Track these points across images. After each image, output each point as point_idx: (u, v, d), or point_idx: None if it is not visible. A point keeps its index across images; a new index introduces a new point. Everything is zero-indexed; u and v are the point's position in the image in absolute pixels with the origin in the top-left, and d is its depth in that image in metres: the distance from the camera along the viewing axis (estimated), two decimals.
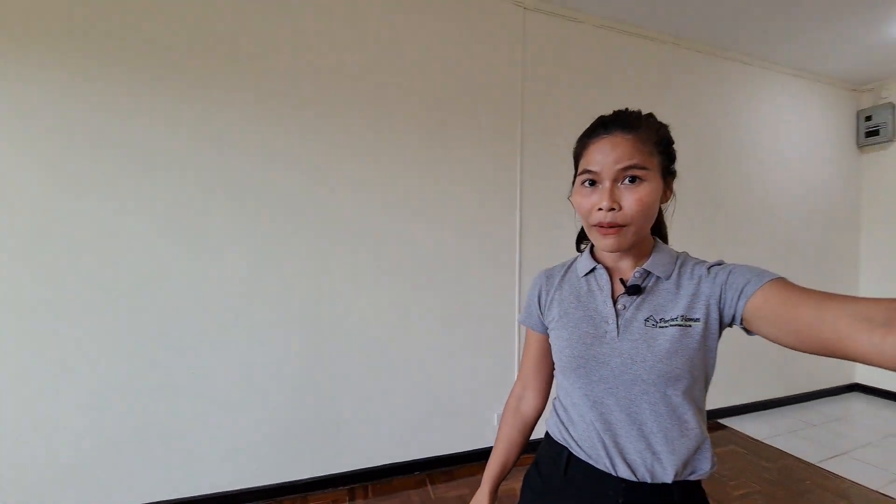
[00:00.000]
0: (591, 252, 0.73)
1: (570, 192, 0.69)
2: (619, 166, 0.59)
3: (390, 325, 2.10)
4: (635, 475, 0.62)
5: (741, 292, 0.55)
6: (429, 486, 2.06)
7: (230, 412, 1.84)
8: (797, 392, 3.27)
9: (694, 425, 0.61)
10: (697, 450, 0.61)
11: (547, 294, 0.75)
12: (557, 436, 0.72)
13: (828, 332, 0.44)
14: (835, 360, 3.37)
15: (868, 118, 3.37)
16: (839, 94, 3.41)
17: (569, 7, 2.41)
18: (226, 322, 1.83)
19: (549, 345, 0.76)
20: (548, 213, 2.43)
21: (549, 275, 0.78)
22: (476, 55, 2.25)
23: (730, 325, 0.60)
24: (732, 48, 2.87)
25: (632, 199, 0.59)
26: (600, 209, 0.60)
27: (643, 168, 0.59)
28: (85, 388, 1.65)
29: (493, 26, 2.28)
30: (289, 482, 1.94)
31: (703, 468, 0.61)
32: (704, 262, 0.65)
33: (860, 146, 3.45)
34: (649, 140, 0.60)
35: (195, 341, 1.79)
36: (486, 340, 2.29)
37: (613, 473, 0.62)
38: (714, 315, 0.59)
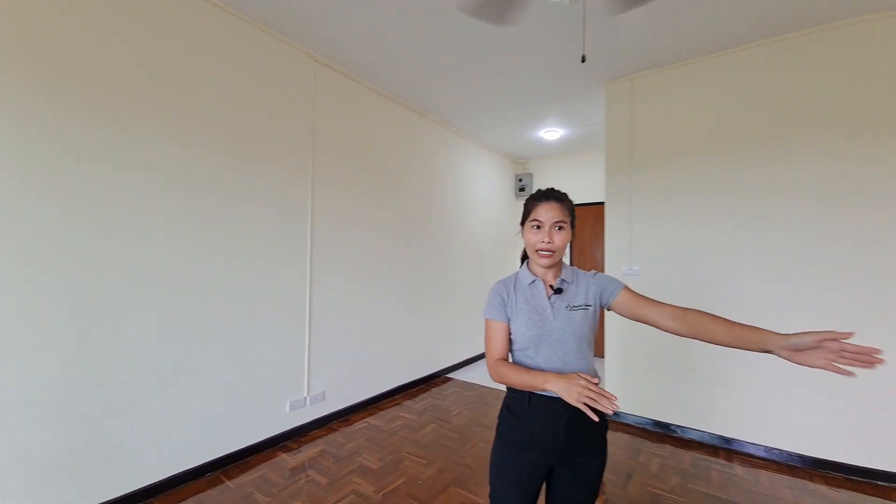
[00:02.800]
0: (528, 269, 1.19)
1: (521, 230, 1.18)
2: (555, 220, 1.10)
3: (181, 337, 2.14)
4: None
5: (612, 293, 1.12)
6: (225, 481, 2.22)
7: None
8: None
9: (591, 360, 1.13)
10: (590, 375, 1.03)
11: (508, 297, 1.16)
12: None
13: (651, 319, 1.04)
14: None
15: (520, 180, 5.66)
16: (507, 164, 5.57)
17: (351, 70, 3.08)
18: None
19: (509, 330, 1.14)
20: (336, 226, 3.00)
21: (505, 285, 1.18)
22: (274, 88, 2.59)
23: (604, 308, 1.15)
24: (455, 125, 4.30)
25: (559, 238, 1.10)
26: (543, 242, 1.10)
27: (564, 222, 1.11)
28: None
29: (288, 68, 2.68)
30: None
31: None
32: (584, 271, 1.19)
33: (516, 197, 5.74)
34: (567, 209, 1.12)
35: None
36: (279, 338, 2.62)
37: (554, 395, 1.03)
38: (597, 303, 1.13)
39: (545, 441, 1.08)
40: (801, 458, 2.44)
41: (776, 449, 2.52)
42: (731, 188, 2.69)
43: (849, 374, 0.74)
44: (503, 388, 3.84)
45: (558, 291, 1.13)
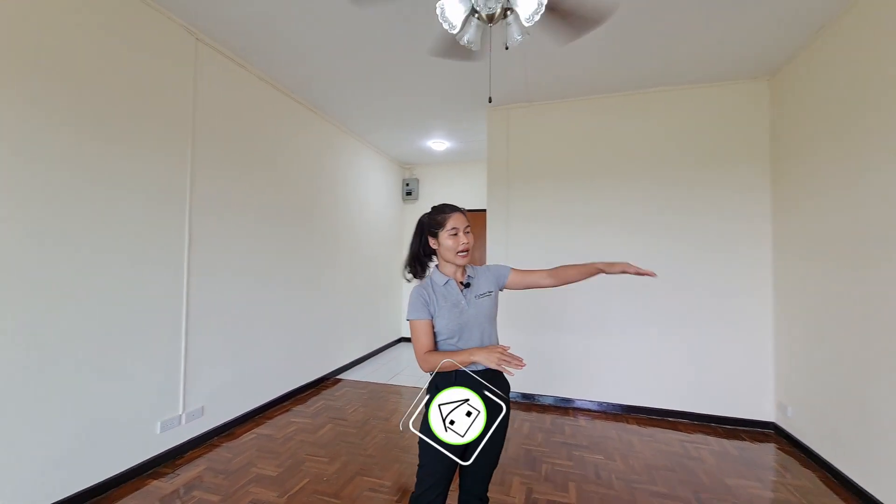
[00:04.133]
0: (440, 271, 1.40)
1: (434, 240, 1.37)
2: (465, 226, 1.35)
3: (18, 351, 1.72)
4: (483, 366, 1.28)
5: (504, 276, 1.43)
6: None
7: None
8: (376, 348, 5.21)
9: (497, 337, 1.41)
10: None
11: (430, 298, 1.34)
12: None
13: (535, 283, 1.43)
14: (391, 326, 5.64)
15: (407, 184, 5.93)
16: (395, 168, 5.78)
17: (239, 55, 2.86)
18: None
19: (432, 325, 1.33)
20: (219, 220, 2.75)
21: (424, 288, 1.36)
22: (146, 61, 2.26)
23: (501, 290, 1.44)
24: (346, 126, 4.31)
25: (471, 239, 1.36)
26: (463, 244, 1.33)
27: (470, 226, 1.37)
28: None
29: (163, 43, 2.37)
30: None
31: None
32: (478, 266, 1.46)
33: (403, 200, 6.00)
34: (466, 216, 1.38)
35: None
36: (148, 348, 2.29)
37: (475, 368, 1.28)
38: (496, 288, 1.42)
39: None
40: (620, 406, 3.29)
41: (604, 402, 3.33)
42: (577, 202, 3.45)
43: (646, 273, 1.35)
44: (395, 382, 4.05)
45: (467, 286, 1.38)
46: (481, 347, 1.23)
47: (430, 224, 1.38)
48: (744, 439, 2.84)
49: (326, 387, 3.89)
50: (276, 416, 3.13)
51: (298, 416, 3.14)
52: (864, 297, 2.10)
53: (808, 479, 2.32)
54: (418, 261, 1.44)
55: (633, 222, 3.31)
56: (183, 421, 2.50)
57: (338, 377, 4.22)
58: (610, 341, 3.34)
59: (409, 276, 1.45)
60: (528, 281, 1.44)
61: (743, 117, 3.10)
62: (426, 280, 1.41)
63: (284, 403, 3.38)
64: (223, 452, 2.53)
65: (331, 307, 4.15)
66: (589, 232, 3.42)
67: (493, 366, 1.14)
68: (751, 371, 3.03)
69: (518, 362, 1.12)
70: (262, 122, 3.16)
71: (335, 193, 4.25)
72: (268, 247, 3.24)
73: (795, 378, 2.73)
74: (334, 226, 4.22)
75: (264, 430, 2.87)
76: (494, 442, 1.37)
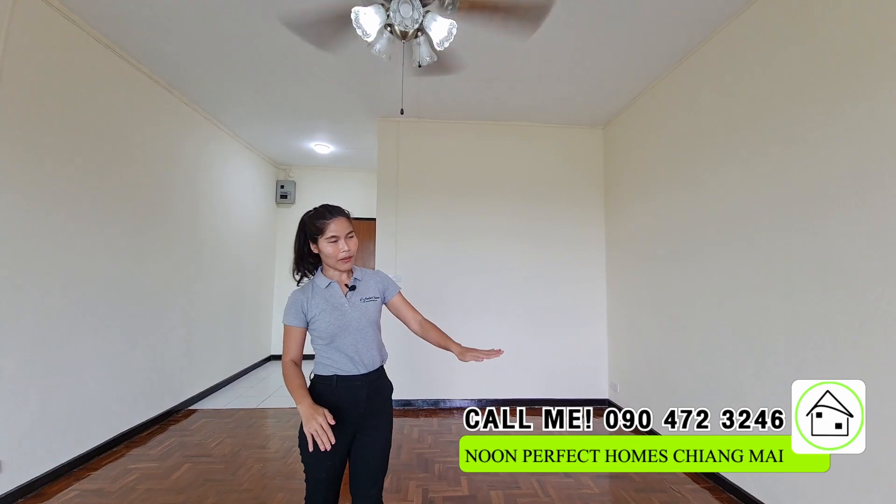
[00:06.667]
0: (323, 275, 1.34)
1: (314, 246, 1.30)
2: (347, 232, 1.29)
3: None
4: (367, 368, 1.31)
5: (391, 293, 1.43)
6: None
7: None
8: (241, 369, 4.58)
9: (381, 341, 1.41)
10: (382, 352, 1.40)
11: (306, 303, 1.30)
12: (326, 372, 1.30)
13: (406, 320, 1.47)
14: (260, 342, 5.07)
15: (282, 186, 5.45)
16: (268, 167, 5.27)
17: (66, 5, 2.24)
18: None
19: (305, 333, 1.31)
20: (26, 216, 2.07)
21: (303, 292, 1.32)
22: None
23: (384, 303, 1.43)
24: (210, 113, 3.75)
25: (353, 244, 1.30)
26: (344, 251, 1.28)
27: (353, 231, 1.32)
28: None
29: None
30: None
31: (384, 358, 1.41)
32: (369, 270, 1.45)
33: (277, 204, 5.49)
34: (350, 220, 1.33)
35: None
36: None
37: (357, 373, 1.29)
38: (381, 296, 1.41)
39: (350, 410, 1.27)
40: (496, 401, 3.65)
41: (483, 399, 3.66)
42: (460, 212, 3.76)
43: (492, 356, 1.29)
44: (267, 406, 3.68)
45: (352, 289, 1.35)
46: (310, 406, 1.13)
47: (310, 230, 1.31)
48: None
49: (177, 420, 3.24)
50: (105, 464, 2.46)
51: (140, 460, 2.54)
52: (660, 294, 2.87)
53: None
54: (304, 262, 1.37)
55: (506, 230, 3.78)
56: None
57: (192, 408, 3.56)
58: (478, 342, 3.66)
59: (298, 277, 1.38)
60: (403, 314, 1.47)
61: (586, 151, 3.91)
62: (308, 283, 1.36)
63: (117, 448, 2.68)
64: None
65: (182, 323, 3.50)
66: (470, 238, 3.76)
67: (305, 429, 1.10)
68: (591, 360, 3.74)
69: (321, 442, 1.07)
70: (101, 95, 2.53)
71: (193, 190, 3.63)
72: (99, 250, 2.57)
73: (620, 362, 3.50)
74: (191, 227, 3.60)
75: (90, 484, 2.24)
76: (376, 446, 1.36)
